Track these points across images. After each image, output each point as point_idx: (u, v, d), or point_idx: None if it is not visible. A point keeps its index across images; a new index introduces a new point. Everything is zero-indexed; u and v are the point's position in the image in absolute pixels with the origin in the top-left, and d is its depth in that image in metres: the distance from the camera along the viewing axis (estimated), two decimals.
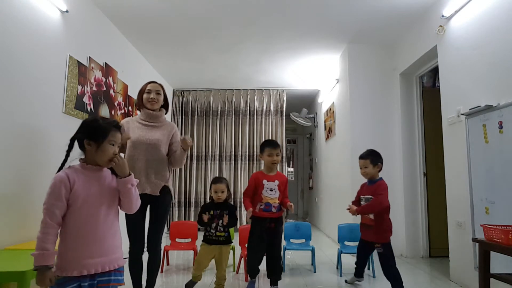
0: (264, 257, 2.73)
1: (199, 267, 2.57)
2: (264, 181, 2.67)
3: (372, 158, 2.74)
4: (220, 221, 2.56)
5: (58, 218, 1.36)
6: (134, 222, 2.27)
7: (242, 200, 2.74)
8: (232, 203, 2.71)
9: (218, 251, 2.56)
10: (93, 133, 1.43)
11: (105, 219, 1.43)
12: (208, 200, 2.72)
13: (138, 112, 2.51)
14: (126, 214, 2.23)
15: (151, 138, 2.33)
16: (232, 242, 2.66)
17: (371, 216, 2.66)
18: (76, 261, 1.35)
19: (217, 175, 6.03)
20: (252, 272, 2.70)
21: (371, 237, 2.69)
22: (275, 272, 2.68)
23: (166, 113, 2.53)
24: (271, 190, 2.66)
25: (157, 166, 2.33)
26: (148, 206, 2.35)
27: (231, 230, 2.72)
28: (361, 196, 2.82)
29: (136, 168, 2.24)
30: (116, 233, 1.49)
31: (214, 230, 2.56)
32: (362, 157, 2.78)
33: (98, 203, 1.43)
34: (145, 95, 2.41)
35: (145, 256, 2.38)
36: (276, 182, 2.68)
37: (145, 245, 2.35)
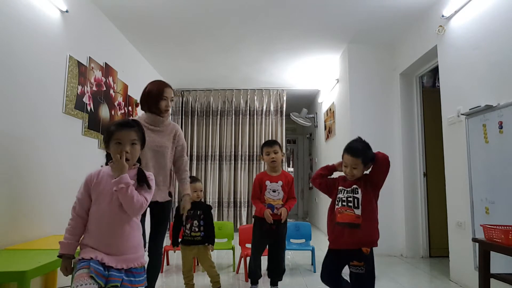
0: (266, 257, 2.72)
1: (186, 268, 2.55)
2: (267, 182, 2.61)
3: (364, 157, 1.94)
4: (195, 221, 2.53)
5: (79, 211, 1.48)
6: None
7: (253, 203, 2.68)
8: (208, 203, 2.66)
9: (195, 251, 2.54)
10: (105, 137, 1.56)
11: (116, 218, 1.45)
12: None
13: (138, 111, 2.46)
14: None
15: (158, 144, 2.25)
16: (213, 241, 2.58)
17: (357, 211, 1.89)
18: (87, 250, 1.42)
19: (217, 175, 6.03)
20: (253, 277, 2.66)
21: (355, 242, 1.87)
22: (276, 273, 2.67)
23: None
24: (274, 191, 2.59)
25: (165, 172, 2.29)
26: (148, 210, 2.33)
27: (231, 226, 2.69)
28: (342, 188, 2.01)
29: None
30: (131, 234, 1.48)
31: (189, 231, 2.53)
32: (352, 152, 1.95)
33: (108, 201, 1.46)
34: (163, 102, 2.26)
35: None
36: (280, 182, 2.61)
37: (146, 246, 2.34)
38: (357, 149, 1.94)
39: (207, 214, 2.58)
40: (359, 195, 1.93)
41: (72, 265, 1.45)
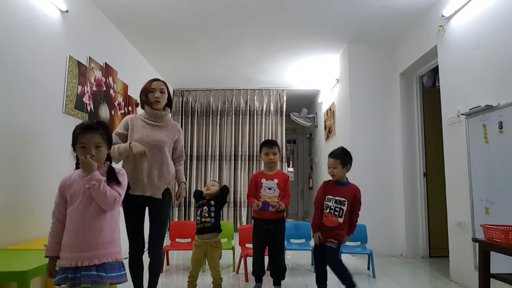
0: (267, 257, 2.73)
1: (195, 272, 2.56)
2: (263, 180, 2.68)
3: (342, 158, 2.48)
4: (205, 207, 2.57)
5: (57, 215, 1.56)
6: (131, 224, 2.26)
7: (247, 200, 2.75)
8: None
9: (206, 249, 2.56)
10: (72, 141, 1.59)
11: (85, 215, 1.51)
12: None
13: (138, 111, 2.48)
14: (124, 216, 2.22)
15: (155, 138, 2.28)
16: (221, 230, 2.63)
17: (340, 219, 2.40)
18: (64, 253, 1.49)
19: (217, 175, 6.04)
20: (257, 275, 2.69)
21: (333, 236, 2.42)
22: (278, 272, 2.68)
23: (170, 112, 2.49)
24: (269, 188, 2.65)
25: (160, 167, 2.28)
26: (147, 208, 2.32)
27: (231, 226, 2.72)
28: (330, 197, 2.48)
29: (138, 169, 2.21)
30: (102, 230, 1.52)
31: (200, 217, 2.57)
32: (333, 155, 2.52)
33: (79, 200, 1.52)
34: (151, 94, 2.33)
35: (145, 257, 2.38)
36: (276, 180, 2.67)
37: (145, 246, 2.34)
38: (336, 153, 2.53)
39: (219, 204, 2.63)
40: (345, 208, 2.42)
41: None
